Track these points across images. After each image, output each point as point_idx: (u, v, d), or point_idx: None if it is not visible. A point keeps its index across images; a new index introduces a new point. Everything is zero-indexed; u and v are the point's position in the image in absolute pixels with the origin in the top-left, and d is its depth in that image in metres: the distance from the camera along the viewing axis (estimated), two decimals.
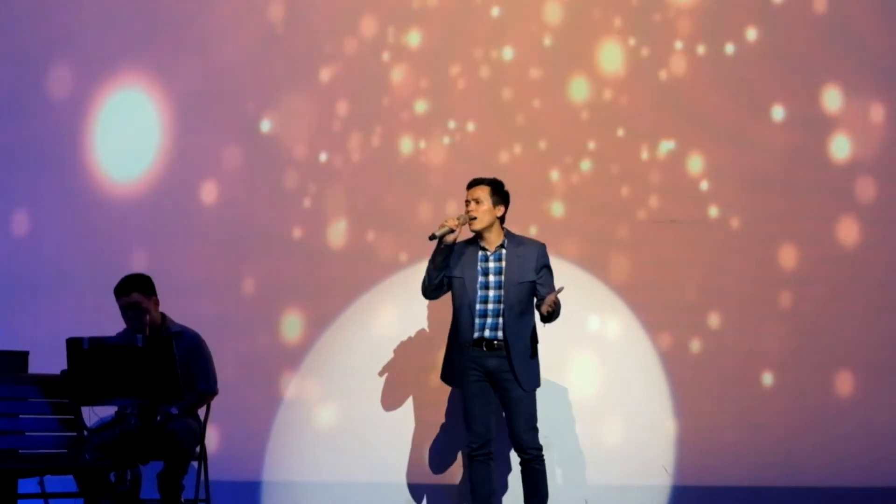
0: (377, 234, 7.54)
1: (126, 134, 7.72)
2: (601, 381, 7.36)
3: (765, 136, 7.43)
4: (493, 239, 6.51)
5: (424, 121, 7.58)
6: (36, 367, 6.43)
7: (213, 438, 6.75)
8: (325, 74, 7.64)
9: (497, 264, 6.48)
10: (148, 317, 6.50)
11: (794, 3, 7.49)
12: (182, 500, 6.36)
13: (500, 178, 6.57)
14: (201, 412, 6.69)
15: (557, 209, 7.48)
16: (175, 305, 6.77)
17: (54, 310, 7.52)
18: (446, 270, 6.48)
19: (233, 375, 7.09)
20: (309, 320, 7.52)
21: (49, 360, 6.25)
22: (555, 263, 6.60)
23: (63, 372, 6.00)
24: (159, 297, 6.61)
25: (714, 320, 7.36)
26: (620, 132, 7.50)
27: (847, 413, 7.27)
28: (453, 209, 7.19)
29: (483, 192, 6.48)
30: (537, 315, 6.44)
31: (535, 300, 6.46)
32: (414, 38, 7.62)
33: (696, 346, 7.35)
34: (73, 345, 5.88)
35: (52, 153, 7.73)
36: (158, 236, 7.62)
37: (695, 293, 7.38)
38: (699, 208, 7.44)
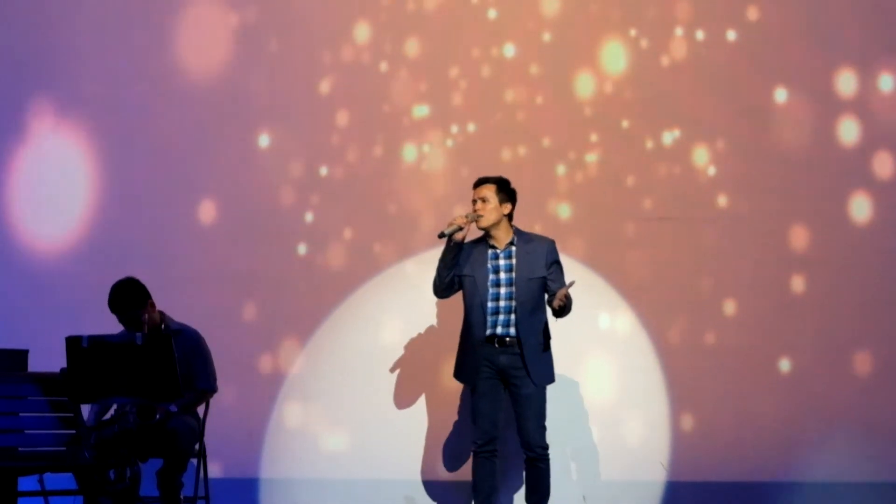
0: (383, 244, 7.54)
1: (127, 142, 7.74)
2: (607, 377, 7.37)
3: (771, 118, 7.42)
4: (502, 237, 6.53)
5: (426, 125, 7.56)
6: (35, 365, 6.44)
7: (212, 436, 6.75)
8: (324, 86, 7.62)
9: (507, 261, 6.51)
10: (147, 316, 6.51)
11: None
12: (181, 497, 6.37)
13: (505, 176, 6.58)
14: (200, 410, 6.70)
15: (563, 206, 7.48)
16: (176, 300, 6.80)
17: (54, 308, 7.53)
18: (457, 269, 6.50)
19: (232, 373, 7.09)
20: (310, 319, 7.53)
21: (48, 359, 6.26)
22: (562, 261, 6.61)
23: (62, 370, 6.00)
24: (160, 292, 6.62)
25: (729, 309, 7.37)
26: (625, 124, 7.48)
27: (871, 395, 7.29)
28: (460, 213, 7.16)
29: (489, 191, 6.50)
30: (549, 311, 6.46)
31: (546, 296, 6.48)
32: (411, 43, 7.59)
33: (709, 338, 7.36)
34: (73, 343, 5.88)
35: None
36: (159, 235, 7.64)
37: (709, 285, 7.40)
38: (707, 199, 7.42)
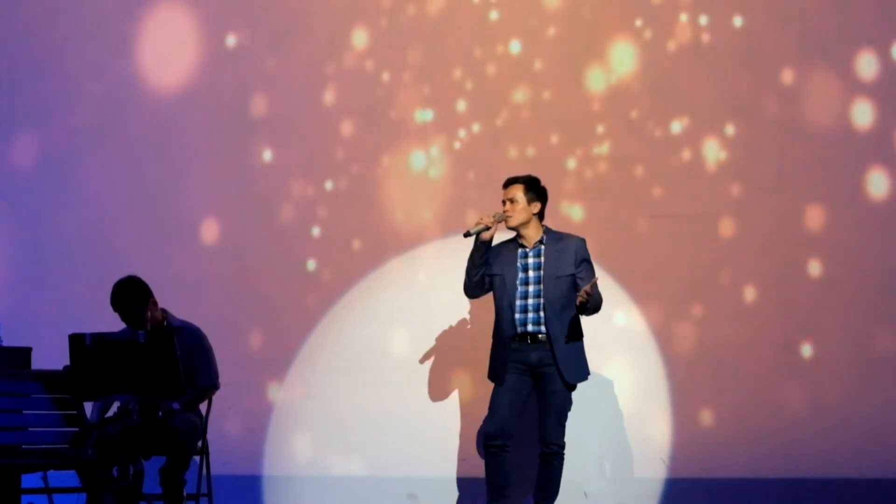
0: (393, 253, 7.54)
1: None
2: (628, 374, 7.39)
3: (779, 104, 7.42)
4: (532, 235, 6.55)
5: (433, 129, 7.55)
6: (38, 363, 6.46)
7: (214, 433, 6.77)
8: (328, 96, 7.61)
9: (536, 260, 6.53)
10: (149, 314, 6.53)
11: None
12: (184, 494, 6.38)
13: (534, 175, 6.59)
14: (203, 407, 6.71)
15: (574, 202, 7.47)
16: (180, 303, 6.82)
17: (57, 306, 7.55)
18: (487, 268, 6.52)
19: (235, 370, 7.10)
20: (313, 319, 7.55)
21: (52, 356, 6.27)
22: None
23: (65, 368, 6.02)
24: (160, 290, 6.64)
25: (749, 295, 7.35)
26: (634, 114, 7.45)
27: None
28: (472, 218, 7.07)
29: (518, 191, 6.52)
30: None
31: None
32: (413, 48, 7.59)
33: (728, 330, 7.36)
34: (76, 340, 5.89)
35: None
36: (160, 236, 7.66)
37: (727, 277, 7.39)
38: (720, 187, 7.39)
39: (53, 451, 6.09)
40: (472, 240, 6.49)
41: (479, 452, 6.95)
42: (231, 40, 7.70)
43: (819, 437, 7.26)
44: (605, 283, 7.10)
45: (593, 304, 6.39)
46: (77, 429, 6.13)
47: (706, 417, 7.33)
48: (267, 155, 7.63)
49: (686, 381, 7.35)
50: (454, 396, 7.35)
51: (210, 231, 7.63)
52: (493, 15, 7.59)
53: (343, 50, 7.63)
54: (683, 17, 7.48)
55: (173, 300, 6.77)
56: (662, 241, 7.40)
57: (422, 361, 7.33)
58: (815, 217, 7.38)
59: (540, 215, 6.57)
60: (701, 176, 7.44)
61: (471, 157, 7.53)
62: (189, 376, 6.31)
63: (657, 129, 7.45)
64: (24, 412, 6.15)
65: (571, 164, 7.49)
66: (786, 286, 7.35)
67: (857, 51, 7.41)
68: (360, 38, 7.63)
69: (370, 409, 7.41)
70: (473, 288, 6.61)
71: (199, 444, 6.66)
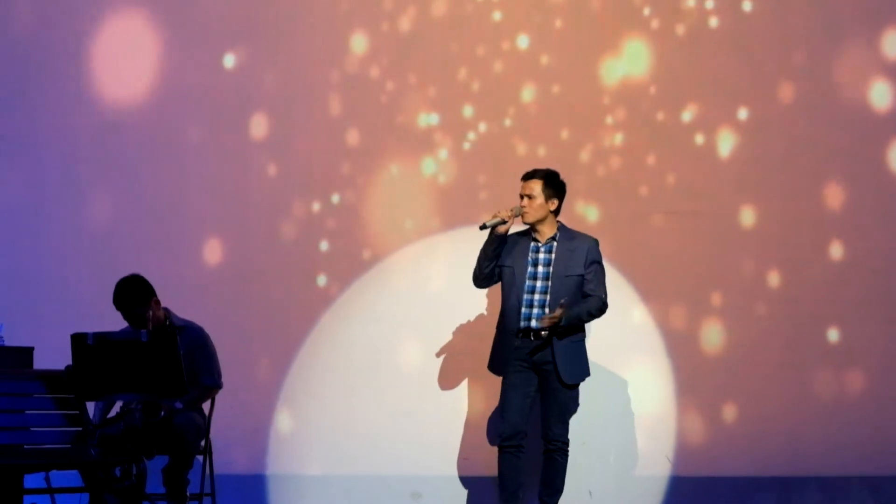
0: (401, 259, 7.52)
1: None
2: (648, 373, 7.35)
3: (791, 92, 7.37)
4: (546, 231, 6.54)
5: (439, 132, 7.51)
6: (41, 362, 6.45)
7: (217, 432, 6.76)
8: (334, 106, 7.57)
9: (546, 256, 6.52)
10: (151, 313, 6.51)
11: None
12: (187, 494, 6.38)
13: (553, 169, 6.56)
14: (206, 406, 6.70)
15: (587, 200, 7.42)
16: (181, 304, 6.80)
17: (59, 306, 7.54)
18: (499, 259, 6.50)
19: (238, 369, 7.10)
20: (315, 318, 7.54)
21: (54, 356, 6.26)
22: None
23: (68, 367, 6.01)
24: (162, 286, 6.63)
25: (773, 280, 7.30)
26: (645, 105, 7.40)
27: None
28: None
29: (536, 187, 6.49)
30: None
31: (583, 294, 6.49)
32: (416, 50, 7.55)
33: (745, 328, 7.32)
34: (78, 340, 5.88)
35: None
36: (161, 236, 7.65)
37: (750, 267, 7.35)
38: (736, 177, 7.34)
39: (56, 451, 6.09)
40: (485, 233, 6.48)
41: (485, 448, 6.99)
42: (229, 60, 7.63)
43: (837, 434, 7.24)
44: (619, 282, 7.10)
45: (570, 323, 6.38)
46: (79, 428, 6.12)
47: (715, 415, 7.30)
48: (272, 169, 7.60)
49: (700, 380, 7.30)
50: (458, 395, 7.34)
51: (213, 251, 7.61)
52: (496, 13, 7.54)
53: (344, 55, 7.58)
54: (690, 2, 7.43)
55: (174, 300, 6.75)
56: (678, 237, 7.35)
57: (426, 361, 7.32)
58: (835, 196, 7.30)
59: (556, 211, 6.54)
60: (716, 164, 7.36)
61: (480, 159, 7.48)
62: (192, 375, 6.31)
63: (669, 118, 7.39)
64: (26, 412, 6.14)
65: (584, 158, 7.43)
66: (809, 272, 7.28)
67: (881, 30, 7.31)
68: (360, 43, 7.58)
69: (373, 407, 7.40)
70: (483, 279, 6.61)
71: (203, 443, 6.65)
